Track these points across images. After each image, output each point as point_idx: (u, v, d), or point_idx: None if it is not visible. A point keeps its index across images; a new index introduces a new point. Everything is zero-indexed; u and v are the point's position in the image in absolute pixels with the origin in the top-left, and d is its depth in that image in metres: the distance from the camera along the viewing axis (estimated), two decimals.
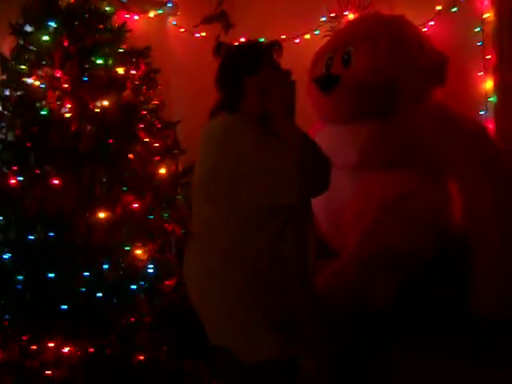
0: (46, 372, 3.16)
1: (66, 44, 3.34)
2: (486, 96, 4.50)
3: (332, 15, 4.96)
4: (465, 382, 3.10)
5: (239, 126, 2.51)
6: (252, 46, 2.64)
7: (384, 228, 3.55)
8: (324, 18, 5.01)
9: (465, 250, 3.63)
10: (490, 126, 4.44)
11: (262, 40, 2.80)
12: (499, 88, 4.44)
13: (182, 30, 5.10)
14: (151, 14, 4.81)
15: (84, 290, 3.20)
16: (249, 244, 2.47)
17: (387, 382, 3.22)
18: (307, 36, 5.04)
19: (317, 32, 5.02)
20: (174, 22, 5.08)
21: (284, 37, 4.78)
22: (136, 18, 4.59)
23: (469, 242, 3.65)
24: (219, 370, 2.72)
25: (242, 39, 4.84)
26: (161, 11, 4.88)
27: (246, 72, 2.52)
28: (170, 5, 4.91)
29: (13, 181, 3.26)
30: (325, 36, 4.81)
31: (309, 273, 2.58)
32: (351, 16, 4.87)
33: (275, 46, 2.62)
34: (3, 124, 3.40)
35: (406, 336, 3.38)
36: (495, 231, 3.62)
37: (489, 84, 4.49)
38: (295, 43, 5.01)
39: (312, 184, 2.48)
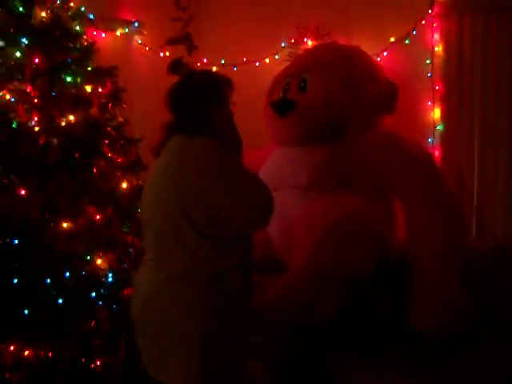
0: (6, 375, 3.21)
1: (36, 60, 3.40)
2: (434, 124, 4.67)
3: (292, 41, 5.09)
4: None
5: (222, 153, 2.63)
6: (215, 76, 2.83)
7: (329, 245, 3.65)
8: (284, 44, 5.14)
9: (405, 265, 3.80)
10: (437, 153, 4.63)
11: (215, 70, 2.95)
12: (446, 117, 4.63)
13: (147, 48, 5.21)
14: (118, 33, 4.86)
15: (45, 296, 3.30)
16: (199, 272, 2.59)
17: None
18: (267, 60, 5.16)
19: (277, 56, 5.14)
20: (139, 41, 5.18)
21: (245, 59, 4.97)
22: (103, 35, 4.67)
23: (409, 259, 3.82)
24: None
25: (205, 60, 5.04)
26: (127, 30, 4.94)
27: (213, 102, 2.70)
28: (136, 24, 4.96)
29: None
30: (284, 61, 4.95)
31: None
32: (310, 43, 4.99)
33: (230, 82, 2.82)
34: None
35: (345, 347, 3.51)
36: (435, 249, 3.78)
37: (437, 113, 4.66)
38: (255, 66, 5.14)
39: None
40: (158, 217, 2.65)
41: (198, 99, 2.71)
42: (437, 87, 4.65)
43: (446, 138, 4.64)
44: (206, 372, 2.55)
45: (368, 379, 3.32)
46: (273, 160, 4.22)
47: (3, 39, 3.44)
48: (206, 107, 2.70)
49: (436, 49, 4.65)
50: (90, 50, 3.67)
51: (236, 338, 2.64)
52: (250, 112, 4.18)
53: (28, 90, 3.41)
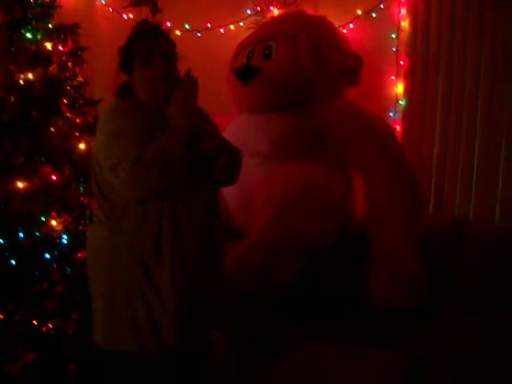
0: None
1: None
2: (397, 99, 4.67)
3: (258, 9, 5.04)
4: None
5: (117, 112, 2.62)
6: (144, 32, 2.64)
7: (289, 214, 3.65)
8: (249, 11, 5.08)
9: (364, 238, 3.81)
10: (398, 128, 4.64)
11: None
12: (409, 92, 4.64)
13: (110, 9, 5.13)
14: None
15: None
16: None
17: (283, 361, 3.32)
18: (232, 26, 5.12)
19: (242, 24, 5.08)
20: (103, 1, 5.09)
21: (209, 25, 4.92)
22: None
23: (368, 233, 3.84)
24: None
25: (168, 24, 4.96)
26: None
27: (137, 61, 2.58)
28: None
29: None
30: (249, 28, 4.90)
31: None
32: (276, 12, 4.95)
33: (163, 33, 2.67)
34: None
35: (304, 318, 3.50)
36: (394, 224, 3.81)
37: (400, 88, 4.67)
38: (220, 33, 5.08)
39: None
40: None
41: (123, 56, 2.65)
42: (401, 62, 4.65)
43: (408, 114, 4.65)
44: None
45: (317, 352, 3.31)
46: (234, 127, 4.18)
47: None
48: (128, 65, 2.63)
49: (402, 23, 4.64)
50: (51, 6, 3.59)
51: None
52: (213, 78, 4.16)
53: None
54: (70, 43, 3.67)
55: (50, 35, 3.56)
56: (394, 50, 4.67)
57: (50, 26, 3.57)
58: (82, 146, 3.60)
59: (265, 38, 4.32)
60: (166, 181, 2.45)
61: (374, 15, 4.70)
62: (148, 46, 2.56)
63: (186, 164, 2.48)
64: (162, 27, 2.73)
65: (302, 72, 4.07)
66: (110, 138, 2.52)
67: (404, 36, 4.65)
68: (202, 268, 2.62)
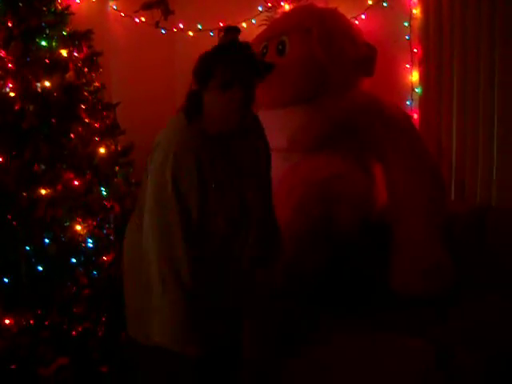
0: None
1: (10, 25, 3.36)
2: (412, 87, 4.64)
3: (269, 5, 5.04)
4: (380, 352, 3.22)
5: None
6: (235, 54, 2.45)
7: (311, 204, 3.67)
8: (261, 8, 5.09)
9: (387, 227, 3.83)
10: (415, 116, 4.61)
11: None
12: (424, 80, 4.61)
13: (123, 14, 5.16)
14: None
15: (25, 263, 3.30)
16: None
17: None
18: (244, 24, 5.10)
19: (253, 21, 5.09)
20: (115, 7, 5.12)
21: (222, 24, 4.92)
22: (77, 1, 4.61)
23: (390, 223, 3.85)
24: None
25: (181, 25, 5.00)
26: None
27: (216, 81, 2.42)
28: None
29: None
30: (261, 25, 4.88)
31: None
32: (287, 7, 4.95)
33: (251, 59, 2.50)
34: None
35: (329, 308, 3.53)
36: (417, 213, 3.80)
37: (415, 76, 4.63)
38: None
39: None
40: None
41: (203, 67, 2.46)
42: (415, 50, 4.62)
43: (425, 101, 4.61)
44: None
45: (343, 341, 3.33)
46: None
47: None
48: (200, 87, 2.47)
49: (414, 11, 4.61)
50: (64, 14, 3.64)
51: None
52: None
53: (1, 55, 3.36)
54: (84, 49, 3.72)
55: (64, 42, 3.60)
56: (407, 38, 4.63)
57: (64, 33, 3.61)
58: (102, 150, 3.65)
59: (278, 34, 4.32)
60: None
61: (385, 4, 4.66)
62: (233, 72, 2.39)
63: None
64: (251, 50, 2.52)
65: (317, 65, 4.06)
66: (159, 188, 2.47)
67: (416, 24, 4.61)
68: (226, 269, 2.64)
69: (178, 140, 2.48)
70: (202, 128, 2.50)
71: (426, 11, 4.56)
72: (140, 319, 2.64)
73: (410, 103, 4.67)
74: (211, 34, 5.04)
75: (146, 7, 5.00)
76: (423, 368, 3.03)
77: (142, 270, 2.56)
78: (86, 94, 3.69)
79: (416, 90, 4.64)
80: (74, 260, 3.43)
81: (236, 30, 2.51)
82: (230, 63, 2.40)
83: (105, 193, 3.62)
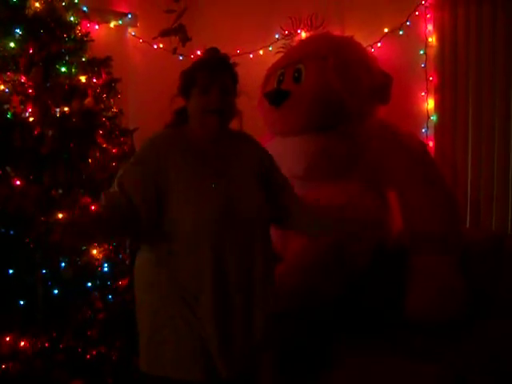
0: (2, 365, 3.20)
1: (31, 51, 3.40)
2: (428, 115, 4.68)
3: (285, 33, 5.12)
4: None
5: None
6: (209, 61, 2.65)
7: None
8: (278, 36, 5.17)
9: (402, 256, 3.85)
10: (431, 144, 4.64)
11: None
12: (440, 108, 4.64)
13: (141, 40, 5.22)
14: (112, 25, 4.87)
15: (41, 286, 3.31)
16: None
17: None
18: (261, 51, 5.19)
19: (270, 48, 5.18)
20: (134, 33, 5.19)
21: (239, 51, 4.96)
22: (97, 27, 4.66)
23: (405, 249, 3.87)
24: None
25: (199, 52, 5.04)
26: (121, 22, 4.94)
27: (196, 89, 2.59)
28: (130, 16, 4.97)
29: None
30: (278, 52, 4.97)
31: None
32: (304, 34, 5.02)
33: (228, 66, 2.66)
34: None
35: (345, 333, 3.56)
36: (432, 239, 3.82)
37: (430, 104, 4.67)
38: (249, 58, 5.16)
39: None
40: None
41: (183, 81, 2.66)
42: (430, 78, 4.66)
43: (440, 129, 4.65)
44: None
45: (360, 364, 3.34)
46: (270, 151, 4.22)
47: None
48: (187, 90, 2.63)
49: (430, 39, 4.66)
50: (84, 41, 3.66)
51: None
52: (244, 104, 4.20)
53: (22, 81, 3.40)
54: (103, 75, 3.74)
55: (84, 69, 3.63)
56: (423, 66, 4.69)
57: (83, 59, 3.64)
58: None
59: (294, 61, 4.36)
60: None
61: (400, 33, 4.73)
62: (209, 76, 2.54)
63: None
64: (229, 60, 2.69)
65: (333, 93, 4.10)
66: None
67: (432, 52, 4.67)
68: (244, 295, 2.59)
69: (156, 134, 2.68)
70: (185, 132, 2.64)
71: (441, 39, 4.60)
72: (152, 349, 2.59)
73: (426, 131, 4.70)
74: None
75: (165, 34, 5.05)
76: None
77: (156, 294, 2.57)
78: (104, 119, 3.71)
79: (431, 118, 4.68)
80: (89, 284, 3.44)
81: (215, 50, 2.69)
82: (207, 68, 2.58)
83: None
